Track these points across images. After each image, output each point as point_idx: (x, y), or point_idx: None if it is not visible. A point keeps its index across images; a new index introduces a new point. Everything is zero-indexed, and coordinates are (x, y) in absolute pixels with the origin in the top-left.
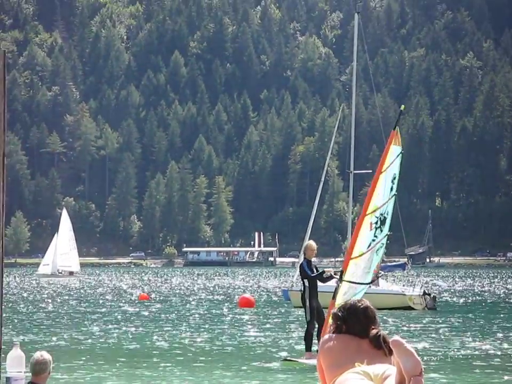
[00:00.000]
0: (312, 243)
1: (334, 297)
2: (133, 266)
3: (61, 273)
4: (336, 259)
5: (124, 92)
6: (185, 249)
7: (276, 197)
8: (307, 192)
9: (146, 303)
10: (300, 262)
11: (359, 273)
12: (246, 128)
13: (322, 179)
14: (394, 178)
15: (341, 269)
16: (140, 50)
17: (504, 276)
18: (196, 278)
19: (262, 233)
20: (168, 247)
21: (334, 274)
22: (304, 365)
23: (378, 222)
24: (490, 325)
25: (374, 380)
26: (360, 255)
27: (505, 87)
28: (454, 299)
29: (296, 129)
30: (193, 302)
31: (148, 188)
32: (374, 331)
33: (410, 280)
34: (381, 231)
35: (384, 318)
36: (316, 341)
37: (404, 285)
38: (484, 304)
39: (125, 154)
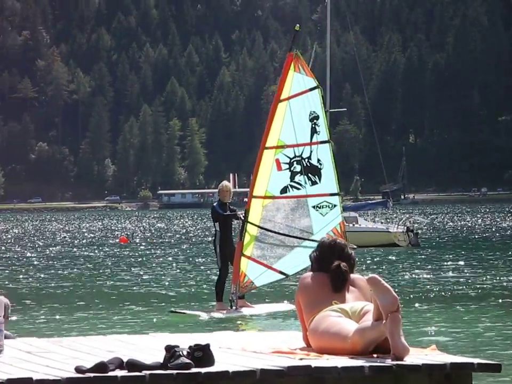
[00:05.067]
0: (225, 183)
1: (240, 238)
2: (108, 210)
3: None
4: None
5: (95, 35)
6: (160, 191)
7: (250, 138)
8: None
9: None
10: (213, 205)
11: (279, 221)
12: (218, 69)
13: None
14: (314, 117)
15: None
16: None
17: (480, 211)
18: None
19: (236, 174)
20: (143, 190)
21: (240, 214)
22: (195, 317)
23: (297, 166)
24: (473, 259)
25: (352, 316)
26: (267, 196)
27: (477, 21)
28: (435, 234)
29: (268, 69)
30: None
31: (122, 132)
32: (333, 265)
33: (388, 218)
34: (310, 181)
35: (368, 254)
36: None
37: (382, 222)
38: (464, 239)
39: (97, 98)
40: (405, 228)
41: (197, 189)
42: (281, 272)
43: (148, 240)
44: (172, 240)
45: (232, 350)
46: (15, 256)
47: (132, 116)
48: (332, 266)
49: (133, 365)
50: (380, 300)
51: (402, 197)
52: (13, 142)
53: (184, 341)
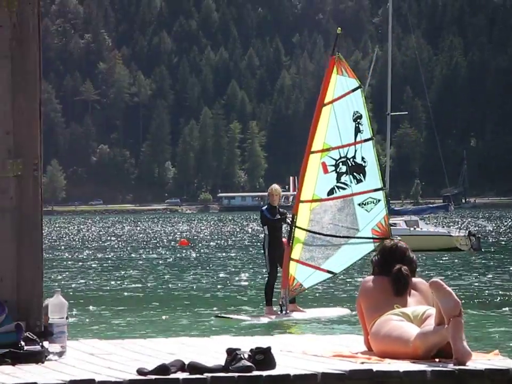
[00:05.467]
0: (274, 187)
1: (288, 242)
2: (169, 212)
3: None
4: None
5: (156, 39)
6: (220, 194)
7: None
8: None
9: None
10: (262, 208)
11: (327, 222)
12: (278, 73)
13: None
14: (358, 117)
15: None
16: None
17: None
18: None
19: (296, 177)
20: (203, 192)
21: (289, 219)
22: (240, 322)
23: (342, 167)
24: None
25: (413, 320)
26: (315, 200)
27: None
28: (499, 239)
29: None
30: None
31: (182, 134)
32: (394, 268)
33: (449, 222)
34: (355, 180)
35: (429, 258)
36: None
37: (443, 226)
38: None
39: (158, 101)
40: (467, 232)
41: (256, 191)
42: (328, 271)
43: (203, 242)
44: (233, 243)
45: (293, 353)
46: (75, 257)
47: (192, 118)
48: (393, 270)
49: (194, 368)
50: (442, 304)
51: (463, 201)
52: (74, 145)
53: (246, 343)
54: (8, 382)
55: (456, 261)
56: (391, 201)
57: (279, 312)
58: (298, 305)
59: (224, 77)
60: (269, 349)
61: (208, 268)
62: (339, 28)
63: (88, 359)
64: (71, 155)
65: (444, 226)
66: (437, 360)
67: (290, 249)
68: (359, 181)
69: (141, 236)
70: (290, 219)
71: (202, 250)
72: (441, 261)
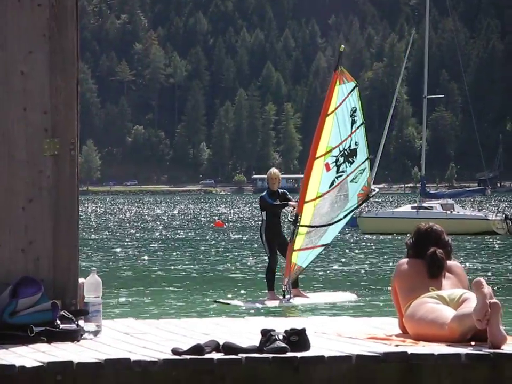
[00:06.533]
0: (273, 170)
1: (290, 241)
2: (203, 193)
3: None
4: (406, 185)
5: (192, 19)
6: (254, 176)
7: None
8: (376, 118)
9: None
10: (262, 194)
11: (325, 211)
12: (314, 55)
13: (393, 105)
14: (354, 111)
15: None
16: None
17: None
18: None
19: None
20: (237, 174)
21: (293, 210)
22: (238, 307)
23: (341, 159)
24: None
25: (449, 303)
26: (318, 197)
27: None
28: None
29: (364, 54)
30: None
31: (217, 116)
32: (429, 251)
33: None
34: (350, 163)
35: (465, 242)
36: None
37: (479, 210)
38: None
39: (193, 82)
40: (503, 215)
41: (291, 173)
42: (322, 245)
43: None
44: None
45: (327, 335)
46: (112, 237)
47: (227, 100)
48: (428, 253)
49: (229, 348)
50: (476, 303)
51: (498, 184)
52: (110, 125)
53: (280, 325)
54: (44, 360)
55: (492, 244)
56: (426, 185)
57: (281, 297)
58: (301, 290)
59: (259, 58)
60: (303, 330)
61: (249, 249)
62: (342, 46)
63: (123, 338)
64: (106, 135)
65: (479, 210)
66: (472, 343)
67: (293, 245)
68: (351, 163)
69: (177, 216)
70: (294, 218)
71: (241, 232)
72: (477, 245)
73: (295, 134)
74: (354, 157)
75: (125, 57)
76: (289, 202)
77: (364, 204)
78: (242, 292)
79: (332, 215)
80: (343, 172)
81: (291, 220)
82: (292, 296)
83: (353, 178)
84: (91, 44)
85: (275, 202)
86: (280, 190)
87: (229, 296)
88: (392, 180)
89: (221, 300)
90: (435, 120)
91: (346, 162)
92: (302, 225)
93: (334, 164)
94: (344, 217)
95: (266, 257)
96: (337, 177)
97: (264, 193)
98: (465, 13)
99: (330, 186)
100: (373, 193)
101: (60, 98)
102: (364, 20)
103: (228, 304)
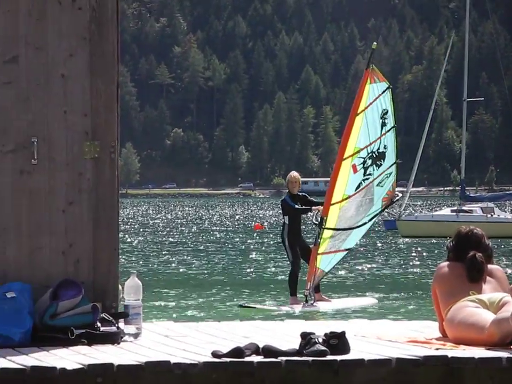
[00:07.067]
0: (293, 174)
1: (315, 244)
2: (242, 196)
3: None
4: (445, 188)
5: (231, 23)
6: None
7: None
8: (415, 121)
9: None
10: (282, 198)
11: (350, 215)
12: (353, 58)
13: (432, 108)
14: (385, 113)
15: (321, 215)
16: None
17: None
18: None
19: None
20: (276, 177)
21: (317, 213)
22: (266, 311)
23: (369, 161)
24: None
25: (489, 307)
26: (344, 199)
27: None
28: None
29: (403, 57)
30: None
31: (256, 119)
32: (469, 255)
33: None
34: (377, 166)
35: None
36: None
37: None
38: None
39: (232, 85)
40: None
41: (329, 177)
42: (345, 249)
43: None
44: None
45: (367, 338)
46: (149, 240)
47: (266, 103)
48: (468, 257)
49: (269, 351)
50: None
51: None
52: (149, 128)
53: (319, 328)
54: (85, 362)
55: None
56: (466, 188)
57: (304, 302)
58: (324, 294)
59: (298, 62)
60: (343, 333)
61: (278, 253)
62: (374, 43)
63: (163, 341)
64: (145, 138)
65: None
66: None
67: (317, 248)
68: (379, 166)
69: (216, 219)
70: (319, 221)
71: (273, 235)
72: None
73: (333, 137)
74: (382, 160)
75: (164, 61)
76: (313, 207)
77: (387, 208)
78: (280, 297)
79: (356, 218)
80: (370, 174)
81: (316, 222)
82: (314, 300)
83: (380, 182)
84: (130, 47)
85: (298, 206)
86: (300, 193)
87: (267, 302)
88: (431, 183)
89: (246, 304)
90: (474, 123)
91: (374, 165)
92: (328, 228)
93: (361, 165)
94: (369, 221)
95: (289, 262)
96: (363, 180)
97: (286, 196)
98: (505, 16)
99: (356, 189)
100: (397, 198)
101: (100, 101)
102: (403, 22)
103: (254, 308)
